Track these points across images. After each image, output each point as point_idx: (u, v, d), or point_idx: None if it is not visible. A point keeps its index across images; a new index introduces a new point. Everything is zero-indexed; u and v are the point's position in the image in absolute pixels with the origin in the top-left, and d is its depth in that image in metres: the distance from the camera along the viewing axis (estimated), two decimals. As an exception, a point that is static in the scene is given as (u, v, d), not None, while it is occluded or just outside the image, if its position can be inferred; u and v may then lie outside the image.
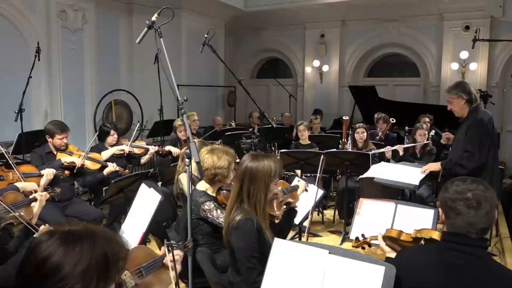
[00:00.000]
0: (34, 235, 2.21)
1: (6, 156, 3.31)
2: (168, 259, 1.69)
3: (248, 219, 2.07)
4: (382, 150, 4.95)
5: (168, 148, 5.02)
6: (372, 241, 2.22)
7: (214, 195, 2.69)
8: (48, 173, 3.38)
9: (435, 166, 3.58)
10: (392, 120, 6.00)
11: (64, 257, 0.96)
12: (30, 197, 2.52)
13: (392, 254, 1.96)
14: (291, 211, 2.46)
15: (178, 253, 1.74)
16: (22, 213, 2.39)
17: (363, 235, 2.27)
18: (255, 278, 1.96)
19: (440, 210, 1.67)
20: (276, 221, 2.42)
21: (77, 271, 0.96)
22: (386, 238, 1.99)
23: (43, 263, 0.96)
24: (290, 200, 2.47)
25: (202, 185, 2.73)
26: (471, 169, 3.26)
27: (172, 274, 1.68)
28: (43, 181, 3.31)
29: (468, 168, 3.28)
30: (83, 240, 1.00)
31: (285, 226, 2.43)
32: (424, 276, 1.57)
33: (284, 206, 2.52)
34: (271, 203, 2.35)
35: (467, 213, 1.54)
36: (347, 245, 4.21)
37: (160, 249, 2.93)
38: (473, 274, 1.50)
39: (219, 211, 2.55)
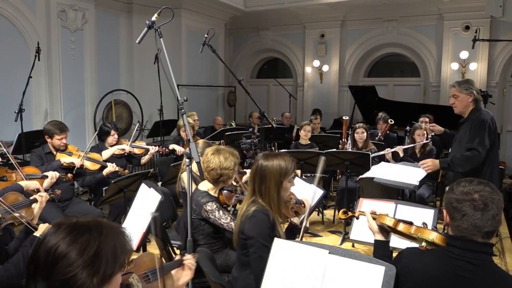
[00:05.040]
0: (34, 233, 2.22)
1: (9, 156, 3.31)
2: (187, 261, 1.77)
3: (264, 210, 2.10)
4: (382, 152, 4.96)
5: (172, 146, 5.02)
6: (361, 216, 2.17)
7: (216, 195, 2.69)
8: (52, 176, 3.38)
9: (434, 164, 3.48)
10: (391, 121, 6.01)
11: (72, 245, 1.00)
12: (31, 198, 2.53)
13: (380, 236, 1.90)
14: (293, 229, 2.39)
15: (191, 262, 1.79)
16: (22, 214, 2.40)
17: (351, 209, 2.24)
18: (264, 267, 1.95)
19: (444, 211, 1.62)
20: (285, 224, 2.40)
21: (85, 258, 1.00)
22: (378, 222, 1.91)
23: (52, 251, 1.00)
24: (298, 210, 2.43)
25: (204, 185, 2.73)
26: (474, 167, 3.25)
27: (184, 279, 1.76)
28: (46, 183, 3.30)
29: (472, 165, 3.24)
30: (91, 229, 1.05)
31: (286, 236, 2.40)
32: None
33: (294, 214, 2.51)
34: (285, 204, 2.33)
35: (473, 215, 1.49)
36: (347, 245, 4.21)
37: (159, 249, 2.94)
38: (477, 286, 1.47)
39: (221, 212, 2.55)
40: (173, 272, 1.77)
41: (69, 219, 1.08)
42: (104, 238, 1.04)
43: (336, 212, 5.20)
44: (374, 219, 1.95)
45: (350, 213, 2.20)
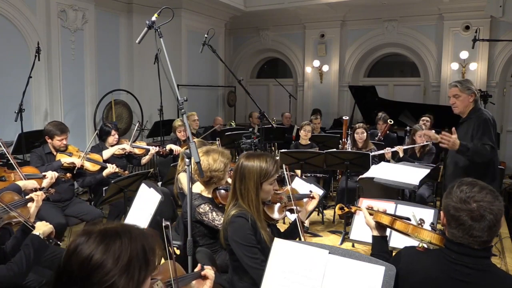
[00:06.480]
0: (33, 232, 2.23)
1: (9, 156, 3.31)
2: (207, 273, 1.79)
3: (242, 214, 2.07)
4: (382, 151, 4.96)
5: (169, 146, 5.02)
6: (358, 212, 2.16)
7: (210, 196, 2.67)
8: (51, 176, 3.38)
9: (453, 143, 3.18)
10: (390, 121, 6.02)
11: (106, 254, 1.02)
12: (27, 197, 2.53)
13: (377, 232, 1.91)
14: (295, 223, 2.35)
15: (211, 274, 1.80)
16: (19, 213, 2.40)
17: (348, 205, 2.25)
18: (260, 266, 1.93)
19: (442, 213, 1.60)
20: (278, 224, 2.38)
21: (120, 265, 1.02)
22: (375, 220, 1.92)
23: (87, 262, 1.01)
24: (293, 207, 2.40)
25: (197, 187, 2.71)
26: (484, 160, 3.23)
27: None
28: (45, 183, 3.30)
29: (484, 158, 3.22)
30: (121, 236, 1.06)
31: (287, 236, 2.37)
32: None
33: (287, 212, 2.46)
34: (272, 205, 2.32)
35: (469, 226, 1.46)
36: (347, 245, 4.21)
37: (159, 249, 2.94)
38: None
39: (214, 213, 2.53)
40: (193, 282, 1.78)
41: (97, 227, 1.09)
42: (134, 242, 1.06)
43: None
44: (371, 214, 1.95)
45: (346, 209, 2.20)
